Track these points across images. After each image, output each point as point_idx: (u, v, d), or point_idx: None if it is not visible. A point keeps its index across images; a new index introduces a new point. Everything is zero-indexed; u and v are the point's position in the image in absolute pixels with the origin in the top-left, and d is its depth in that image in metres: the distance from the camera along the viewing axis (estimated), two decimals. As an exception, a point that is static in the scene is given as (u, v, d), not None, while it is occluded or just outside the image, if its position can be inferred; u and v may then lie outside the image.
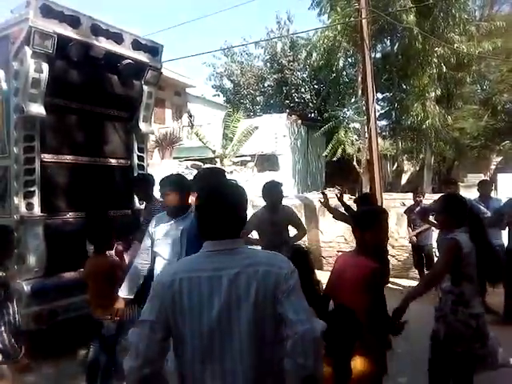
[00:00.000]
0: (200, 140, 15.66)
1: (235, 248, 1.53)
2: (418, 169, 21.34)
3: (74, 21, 4.11)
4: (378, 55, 18.25)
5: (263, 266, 1.48)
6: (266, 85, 26.07)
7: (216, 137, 16.64)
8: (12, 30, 3.94)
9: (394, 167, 24.54)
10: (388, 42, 18.03)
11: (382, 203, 7.34)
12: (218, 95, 28.07)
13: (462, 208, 2.81)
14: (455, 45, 13.76)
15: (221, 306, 1.43)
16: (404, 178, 24.08)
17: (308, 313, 1.48)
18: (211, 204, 1.56)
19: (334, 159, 17.76)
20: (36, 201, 4.01)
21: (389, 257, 6.39)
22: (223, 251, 1.51)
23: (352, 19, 11.82)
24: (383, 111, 20.44)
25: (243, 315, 1.43)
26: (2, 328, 2.68)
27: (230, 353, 1.42)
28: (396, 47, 17.48)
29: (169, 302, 1.45)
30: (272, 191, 4.43)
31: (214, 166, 5.23)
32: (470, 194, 6.13)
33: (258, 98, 26.36)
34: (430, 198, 6.78)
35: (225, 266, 1.47)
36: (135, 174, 5.07)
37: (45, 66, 3.92)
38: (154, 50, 4.98)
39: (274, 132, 17.91)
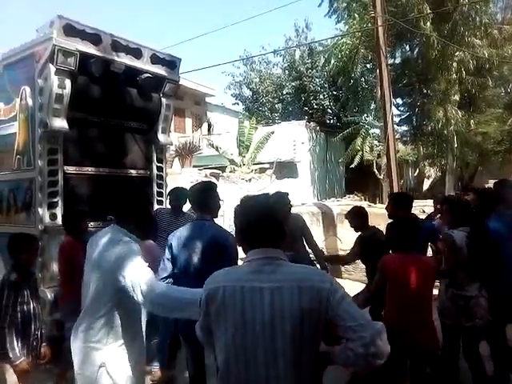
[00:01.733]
0: (216, 149, 15.84)
1: (277, 258, 1.56)
2: (440, 174, 20.97)
3: (95, 38, 4.27)
4: (398, 60, 18.13)
5: (305, 281, 1.49)
6: (284, 92, 26.16)
7: (235, 145, 16.81)
8: (37, 48, 4.13)
9: (416, 173, 24.18)
10: (407, 47, 17.89)
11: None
12: (238, 104, 28.35)
13: (463, 210, 3.33)
14: (476, 49, 13.53)
15: (263, 319, 1.46)
16: (426, 184, 23.69)
17: (366, 318, 1.50)
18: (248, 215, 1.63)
19: (355, 165, 17.66)
20: (59, 211, 4.16)
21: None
22: (265, 260, 1.55)
23: (369, 26, 11.81)
24: (404, 116, 20.24)
25: (285, 330, 1.44)
26: (12, 329, 2.76)
27: (272, 362, 1.45)
28: (416, 52, 17.33)
29: (212, 310, 1.54)
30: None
31: (207, 180, 5.05)
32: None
33: (276, 106, 26.46)
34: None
35: (267, 278, 1.50)
36: (154, 185, 5.19)
37: (68, 82, 4.09)
38: (171, 64, 5.12)
39: (293, 139, 17.95)
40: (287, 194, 4.39)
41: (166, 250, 3.02)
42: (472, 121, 16.01)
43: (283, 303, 1.45)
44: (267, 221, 1.59)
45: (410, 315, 2.79)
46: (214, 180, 12.88)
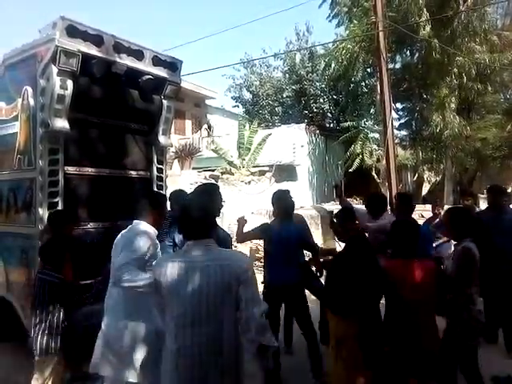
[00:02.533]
0: (215, 152, 15.86)
1: (207, 245, 2.11)
2: (438, 179, 21.02)
3: (97, 39, 4.29)
4: (398, 65, 18.20)
5: (227, 261, 2.06)
6: (284, 95, 26.24)
7: (234, 147, 16.83)
8: (39, 49, 4.14)
9: (415, 177, 24.21)
10: (408, 52, 17.97)
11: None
12: (238, 106, 28.43)
13: (463, 221, 3.21)
14: (475, 55, 13.59)
15: (194, 289, 1.99)
16: (425, 189, 23.72)
17: (257, 298, 2.06)
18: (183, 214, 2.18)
19: (353, 169, 17.70)
20: (59, 211, 4.17)
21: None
22: (198, 247, 2.09)
23: (369, 32, 11.87)
24: (403, 121, 20.31)
25: (211, 296, 1.98)
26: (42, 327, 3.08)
27: (202, 320, 1.98)
28: (416, 57, 17.40)
29: (157, 279, 2.09)
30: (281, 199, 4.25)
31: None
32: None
33: (276, 109, 26.54)
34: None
35: (199, 259, 2.05)
36: (154, 186, 5.20)
37: (69, 83, 4.10)
38: (173, 66, 5.14)
39: (292, 142, 17.99)
40: (288, 191, 4.37)
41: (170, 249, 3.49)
42: (470, 127, 16.05)
43: (210, 278, 2.01)
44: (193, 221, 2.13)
45: (414, 319, 2.83)
46: (212, 182, 12.89)
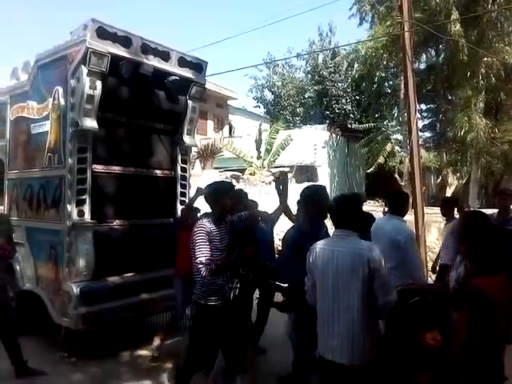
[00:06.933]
0: (233, 153, 15.90)
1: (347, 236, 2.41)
2: (463, 182, 20.56)
3: (125, 41, 4.38)
4: (423, 66, 17.90)
5: (361, 250, 2.31)
6: (306, 96, 26.14)
7: (255, 147, 16.85)
8: (70, 50, 4.26)
9: (438, 180, 23.77)
10: (433, 53, 17.65)
11: (423, 218, 7.17)
12: (259, 107, 28.46)
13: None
14: (504, 55, 13.24)
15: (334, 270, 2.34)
16: (449, 192, 23.23)
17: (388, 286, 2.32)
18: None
19: (376, 171, 17.50)
20: (87, 208, 4.28)
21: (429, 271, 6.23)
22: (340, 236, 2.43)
23: (394, 32, 11.71)
24: (427, 122, 19.96)
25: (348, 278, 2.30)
26: None
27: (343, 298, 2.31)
28: (441, 58, 17.08)
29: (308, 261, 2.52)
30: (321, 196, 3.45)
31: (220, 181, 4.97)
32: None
33: (298, 110, 26.47)
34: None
35: (338, 245, 2.39)
36: (178, 185, 5.28)
37: (98, 84, 4.20)
38: (198, 67, 5.20)
39: (314, 143, 17.91)
40: (325, 187, 3.81)
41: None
42: (497, 129, 15.64)
43: (345, 262, 2.34)
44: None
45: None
46: (234, 182, 12.95)
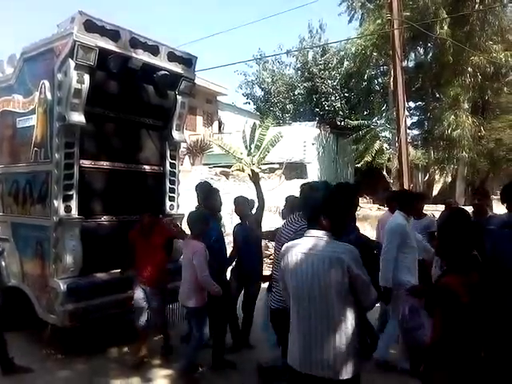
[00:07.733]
0: (223, 148, 15.86)
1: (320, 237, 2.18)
2: (450, 180, 20.82)
3: (114, 35, 4.32)
4: (411, 64, 18.04)
5: (337, 253, 2.09)
6: (296, 93, 26.15)
7: (245, 144, 16.78)
8: (57, 43, 4.18)
9: (426, 177, 24.01)
10: (421, 51, 17.81)
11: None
12: (249, 103, 28.40)
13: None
14: (492, 54, 13.40)
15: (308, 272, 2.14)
16: (436, 189, 23.51)
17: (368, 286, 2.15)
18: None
19: (364, 168, 17.62)
20: (74, 204, 4.22)
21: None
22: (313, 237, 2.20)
23: (384, 30, 11.77)
24: (415, 120, 20.14)
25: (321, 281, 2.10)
26: None
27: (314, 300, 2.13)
28: (429, 56, 17.23)
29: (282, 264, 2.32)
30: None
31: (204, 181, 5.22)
32: (502, 208, 5.95)
33: (287, 106, 26.46)
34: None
35: (314, 249, 2.16)
36: (167, 181, 5.25)
37: (86, 78, 4.14)
38: (188, 62, 5.15)
39: (303, 140, 17.95)
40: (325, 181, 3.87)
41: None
42: (483, 127, 15.85)
43: (321, 264, 2.15)
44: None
45: None
46: (223, 178, 12.93)
